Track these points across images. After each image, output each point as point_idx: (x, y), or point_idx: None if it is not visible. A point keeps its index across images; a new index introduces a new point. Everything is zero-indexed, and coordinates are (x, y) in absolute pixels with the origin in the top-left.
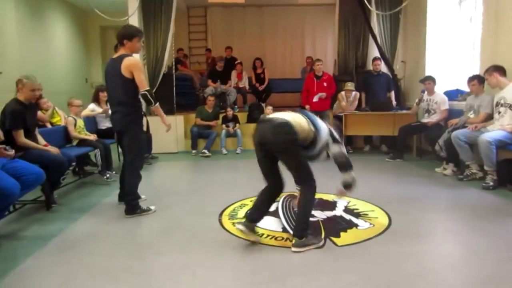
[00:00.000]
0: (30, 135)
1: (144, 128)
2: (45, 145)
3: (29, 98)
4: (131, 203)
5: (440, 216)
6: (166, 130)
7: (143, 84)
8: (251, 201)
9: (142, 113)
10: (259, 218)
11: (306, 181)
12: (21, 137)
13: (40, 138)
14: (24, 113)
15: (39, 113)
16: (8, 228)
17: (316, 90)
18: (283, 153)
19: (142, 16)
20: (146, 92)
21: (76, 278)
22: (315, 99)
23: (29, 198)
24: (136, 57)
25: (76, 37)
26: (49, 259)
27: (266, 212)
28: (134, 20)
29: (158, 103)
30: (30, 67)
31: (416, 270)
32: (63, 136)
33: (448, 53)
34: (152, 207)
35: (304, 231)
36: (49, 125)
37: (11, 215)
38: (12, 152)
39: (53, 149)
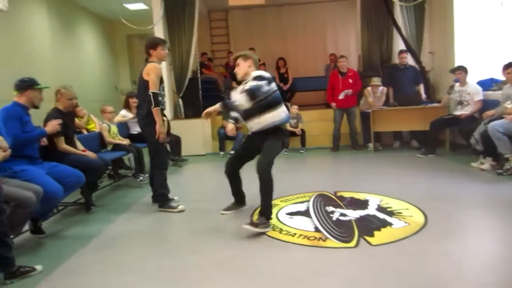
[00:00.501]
0: (69, 141)
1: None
2: (83, 151)
3: (67, 106)
4: (158, 198)
5: (478, 213)
6: (156, 137)
7: (152, 85)
8: (281, 201)
9: (164, 117)
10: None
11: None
12: (62, 144)
13: (78, 144)
14: (64, 121)
15: (76, 120)
16: (53, 228)
17: (342, 87)
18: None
19: (167, 24)
20: (151, 93)
21: (114, 275)
22: (341, 96)
23: (70, 200)
24: (161, 64)
25: (105, 47)
26: (90, 257)
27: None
28: (159, 28)
29: (158, 108)
30: (64, 78)
31: (453, 269)
32: (98, 142)
33: (479, 40)
34: (181, 206)
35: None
36: (85, 132)
37: (55, 216)
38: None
39: (91, 154)
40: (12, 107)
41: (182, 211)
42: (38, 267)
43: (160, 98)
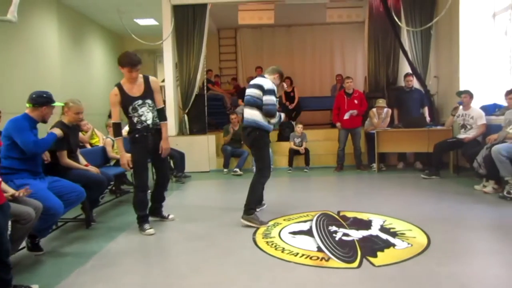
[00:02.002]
0: (72, 155)
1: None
2: (86, 165)
3: (73, 120)
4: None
5: (482, 236)
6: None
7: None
8: (284, 219)
9: (145, 133)
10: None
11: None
12: (64, 158)
13: (81, 159)
14: (68, 135)
15: (80, 134)
16: (51, 245)
17: (347, 107)
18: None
19: (176, 40)
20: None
21: None
22: (346, 116)
23: (70, 216)
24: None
25: (113, 61)
26: (90, 276)
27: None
28: (168, 43)
29: (120, 137)
30: (71, 91)
31: None
32: (102, 156)
33: (483, 67)
34: (150, 230)
35: (250, 209)
36: (88, 146)
37: (54, 232)
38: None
39: (93, 169)
40: (22, 119)
41: (151, 234)
42: (35, 287)
43: (135, 118)
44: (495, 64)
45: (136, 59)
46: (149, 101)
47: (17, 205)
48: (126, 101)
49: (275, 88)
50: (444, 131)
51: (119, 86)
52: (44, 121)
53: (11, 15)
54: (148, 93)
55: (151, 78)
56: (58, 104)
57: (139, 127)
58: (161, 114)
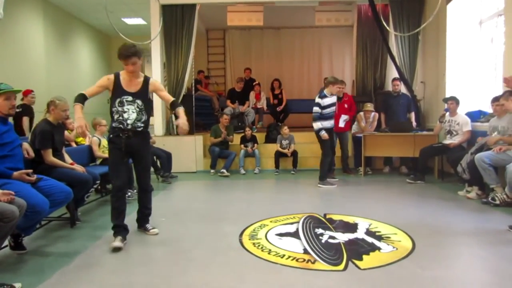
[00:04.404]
0: (58, 154)
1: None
2: (71, 164)
3: (59, 118)
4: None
5: (465, 241)
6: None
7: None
8: (271, 221)
9: (120, 135)
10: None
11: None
12: (49, 156)
13: (67, 157)
14: (53, 133)
15: (66, 133)
16: (34, 244)
17: (338, 111)
18: None
19: (164, 40)
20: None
21: None
22: (341, 124)
23: (54, 214)
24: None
25: (100, 60)
26: (74, 275)
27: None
28: (156, 43)
29: (77, 103)
30: (56, 89)
31: None
32: (87, 155)
33: (469, 74)
34: (117, 243)
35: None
36: (74, 145)
37: (37, 231)
38: (34, 177)
39: (79, 168)
40: None
41: (114, 248)
42: (17, 285)
43: (116, 115)
44: (481, 71)
45: (129, 51)
46: (139, 102)
47: (0, 203)
48: (116, 92)
49: (319, 100)
50: (430, 136)
51: (117, 74)
52: (6, 114)
53: None
54: (142, 93)
55: (152, 79)
56: (4, 90)
57: (115, 126)
58: (175, 105)
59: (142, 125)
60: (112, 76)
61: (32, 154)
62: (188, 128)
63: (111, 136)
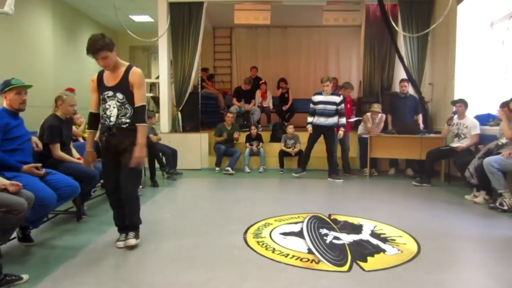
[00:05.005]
0: (65, 148)
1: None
2: (78, 159)
3: (67, 113)
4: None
5: (471, 246)
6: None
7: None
8: (275, 220)
9: (105, 133)
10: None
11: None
12: (57, 151)
13: (74, 152)
14: (61, 128)
15: (73, 128)
16: (42, 236)
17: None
18: None
19: (171, 37)
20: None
21: None
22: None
23: (61, 208)
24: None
25: None
26: (79, 268)
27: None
28: (164, 41)
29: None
30: (64, 85)
31: None
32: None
33: (478, 76)
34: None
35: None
36: (81, 139)
37: (44, 224)
38: (42, 171)
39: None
40: None
41: (119, 247)
42: (25, 276)
43: (102, 112)
44: (491, 73)
45: (96, 46)
46: (119, 95)
47: (9, 195)
48: (100, 89)
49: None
50: (437, 139)
51: (100, 72)
52: (17, 109)
53: (8, 7)
54: (121, 85)
55: (133, 69)
56: (15, 86)
57: (101, 124)
58: (136, 113)
59: (128, 120)
60: (95, 77)
61: (41, 146)
62: (144, 159)
63: (100, 134)
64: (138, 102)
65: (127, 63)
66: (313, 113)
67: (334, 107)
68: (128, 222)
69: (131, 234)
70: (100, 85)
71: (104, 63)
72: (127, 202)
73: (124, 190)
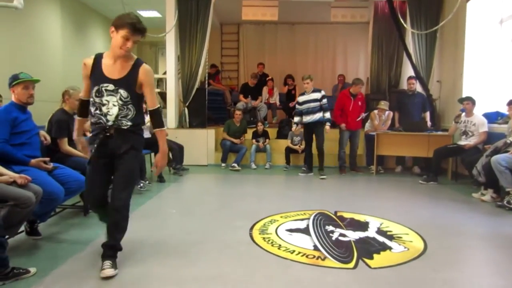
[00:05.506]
0: (73, 143)
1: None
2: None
3: (74, 107)
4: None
5: (478, 244)
6: None
7: None
8: (281, 216)
9: (101, 135)
10: None
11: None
12: (65, 145)
13: None
14: (69, 122)
15: None
16: (49, 230)
17: (352, 109)
18: None
19: (179, 33)
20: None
21: (110, 284)
22: (360, 118)
23: (68, 203)
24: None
25: None
26: (86, 262)
27: None
28: (171, 36)
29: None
30: (72, 79)
31: None
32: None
33: (487, 74)
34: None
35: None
36: (88, 134)
37: (52, 218)
38: (50, 165)
39: None
40: (4, 108)
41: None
42: (32, 270)
43: (93, 108)
44: (500, 71)
45: (143, 26)
46: (123, 92)
47: (17, 189)
48: (94, 78)
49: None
50: (445, 137)
51: (98, 56)
52: (25, 103)
53: (17, 2)
54: (127, 81)
55: (144, 66)
56: (22, 80)
57: (94, 123)
58: (154, 118)
59: (130, 123)
60: (89, 60)
61: (49, 139)
62: (165, 165)
63: (90, 135)
64: (152, 106)
65: (135, 56)
66: (300, 114)
67: (317, 103)
68: (109, 241)
69: (108, 263)
70: (96, 73)
71: (131, 47)
72: (117, 213)
73: (117, 198)
